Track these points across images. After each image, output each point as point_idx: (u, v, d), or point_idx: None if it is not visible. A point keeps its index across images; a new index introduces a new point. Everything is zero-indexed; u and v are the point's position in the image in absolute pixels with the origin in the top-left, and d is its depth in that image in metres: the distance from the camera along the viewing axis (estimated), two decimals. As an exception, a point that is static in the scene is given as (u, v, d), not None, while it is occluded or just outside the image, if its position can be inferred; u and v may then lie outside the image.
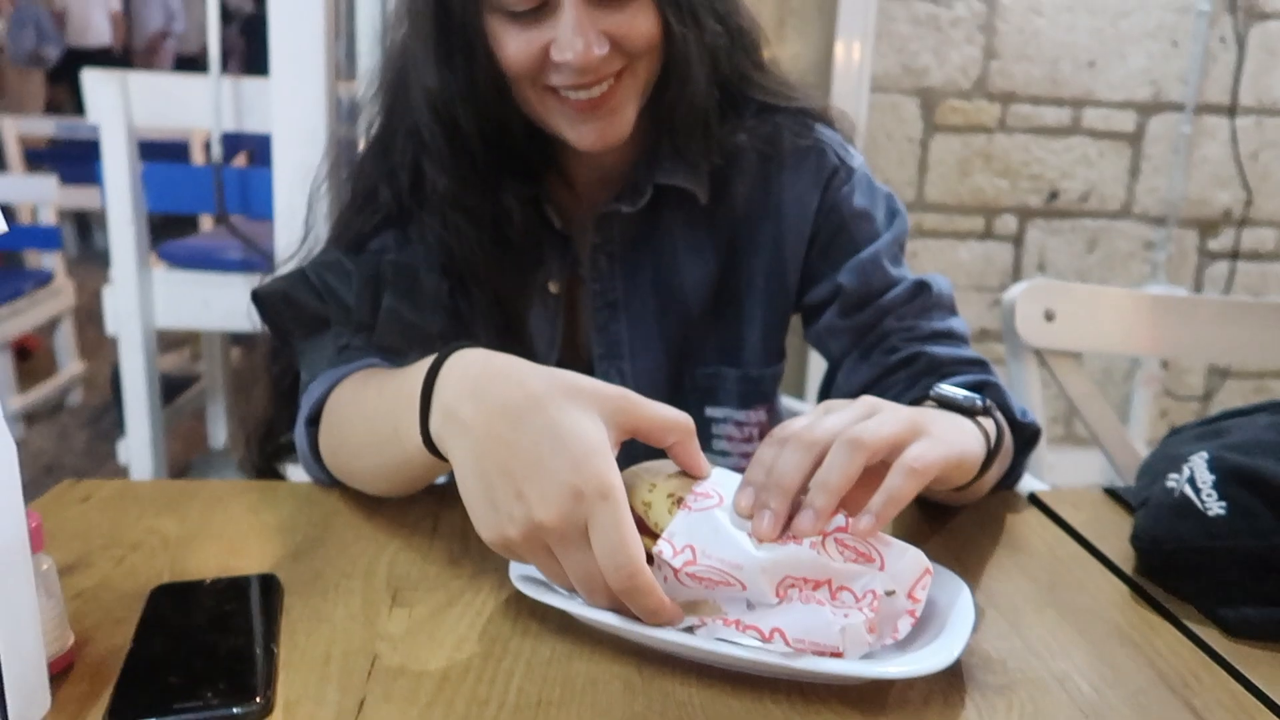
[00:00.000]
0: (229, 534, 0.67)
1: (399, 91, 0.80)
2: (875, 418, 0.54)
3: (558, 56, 0.71)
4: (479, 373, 0.56)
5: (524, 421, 0.52)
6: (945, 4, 2.09)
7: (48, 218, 3.10)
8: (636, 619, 0.51)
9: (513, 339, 0.83)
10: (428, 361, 0.59)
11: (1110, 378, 2.31)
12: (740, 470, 0.56)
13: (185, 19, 7.53)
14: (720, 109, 0.82)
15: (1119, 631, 0.59)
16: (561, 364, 0.82)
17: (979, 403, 0.65)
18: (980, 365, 0.81)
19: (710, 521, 0.52)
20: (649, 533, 0.54)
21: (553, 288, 0.85)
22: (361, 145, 0.87)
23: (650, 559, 0.52)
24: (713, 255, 0.86)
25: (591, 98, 0.74)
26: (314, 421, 0.75)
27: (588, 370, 0.60)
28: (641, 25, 0.74)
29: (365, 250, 0.82)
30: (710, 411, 0.89)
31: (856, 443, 0.51)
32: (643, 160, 0.83)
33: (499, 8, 0.72)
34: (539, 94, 0.75)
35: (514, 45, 0.73)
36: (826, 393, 0.87)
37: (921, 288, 0.83)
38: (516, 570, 0.57)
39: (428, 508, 0.71)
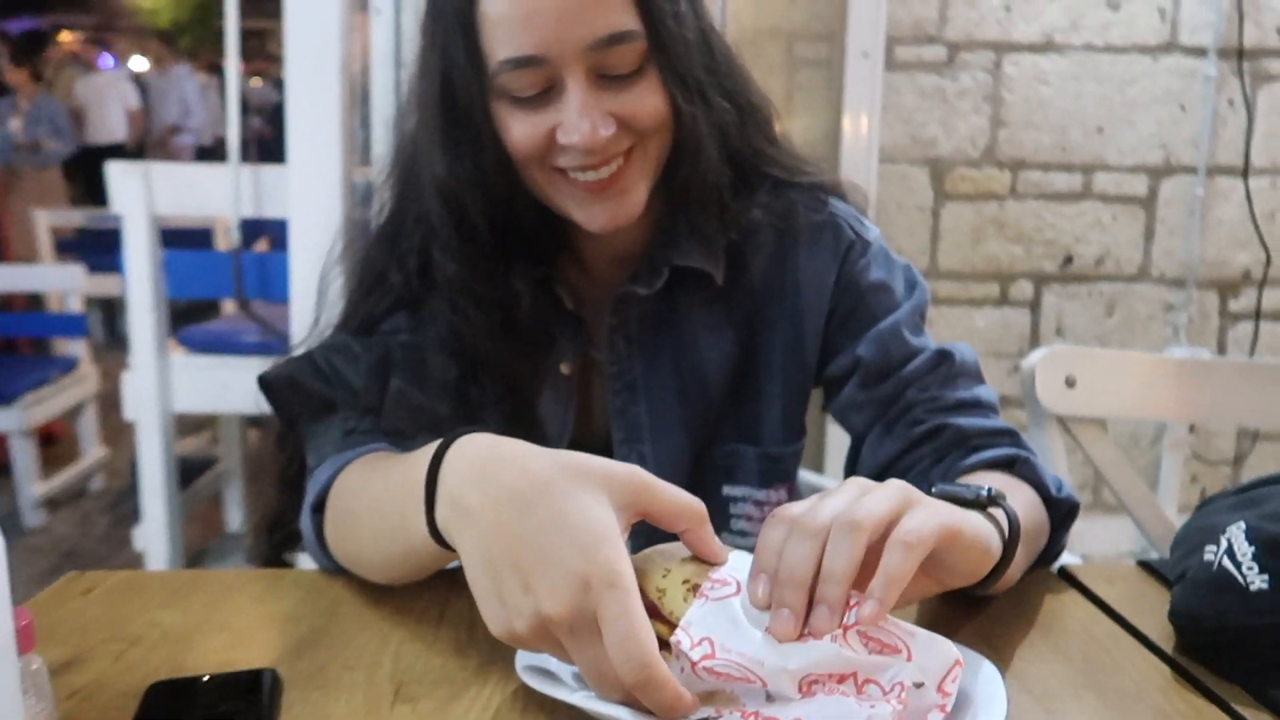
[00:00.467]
0: (232, 626, 0.65)
1: (409, 179, 0.81)
2: (869, 496, 0.52)
3: (564, 139, 0.71)
4: (484, 459, 0.54)
5: (530, 509, 0.50)
6: (950, 76, 2.12)
7: (75, 305, 3.16)
8: (649, 713, 0.49)
9: (523, 424, 0.81)
10: (432, 448, 0.58)
11: (1137, 443, 2.26)
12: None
13: (202, 113, 7.79)
14: (734, 186, 0.81)
15: (1163, 715, 0.56)
16: (574, 447, 0.81)
17: (982, 494, 0.62)
18: (1010, 436, 0.79)
19: (728, 612, 0.50)
20: (664, 620, 0.52)
21: (564, 369, 0.84)
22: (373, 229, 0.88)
23: (665, 644, 0.50)
24: (731, 334, 0.85)
25: (601, 178, 0.74)
26: (319, 508, 0.73)
27: (604, 454, 0.59)
28: (649, 104, 0.73)
29: (377, 332, 0.82)
30: (729, 490, 0.87)
31: (854, 524, 0.49)
32: (658, 241, 0.82)
33: (505, 93, 0.72)
34: (547, 176, 0.75)
35: (520, 129, 0.73)
36: (852, 468, 0.85)
37: (944, 357, 0.82)
38: (523, 661, 0.55)
39: (435, 595, 0.69)
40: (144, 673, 0.58)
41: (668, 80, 0.74)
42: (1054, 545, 0.75)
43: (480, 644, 0.62)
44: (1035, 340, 2.22)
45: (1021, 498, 0.71)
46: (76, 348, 3.25)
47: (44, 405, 2.97)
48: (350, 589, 0.71)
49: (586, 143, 0.71)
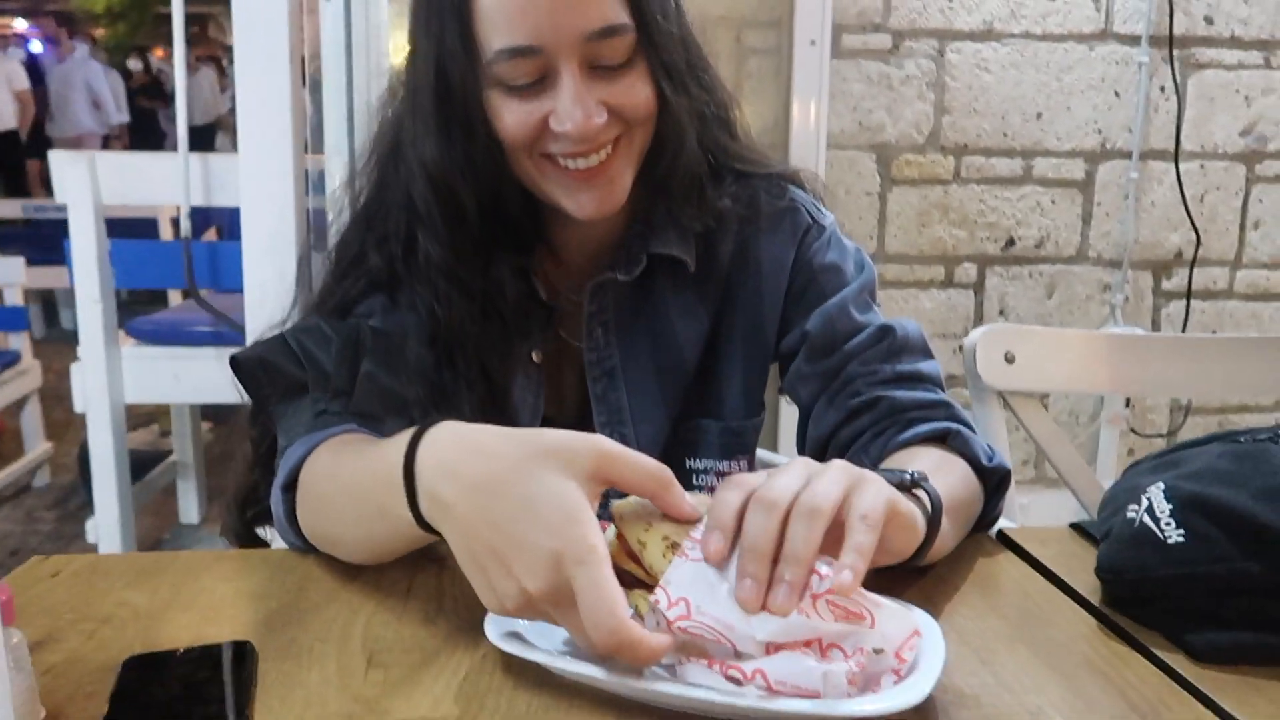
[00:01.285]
0: (201, 604, 0.67)
1: (391, 164, 0.82)
2: (821, 480, 0.55)
3: (557, 127, 0.74)
4: (453, 450, 0.57)
5: (500, 496, 0.53)
6: (895, 64, 2.17)
7: (14, 299, 3.09)
8: (618, 670, 0.52)
9: (496, 409, 0.83)
10: (404, 440, 0.60)
11: (1077, 419, 2.34)
12: None
13: (110, 99, 7.52)
14: (707, 176, 0.85)
15: (1089, 663, 0.60)
16: None
17: (905, 478, 0.65)
18: (945, 408, 0.83)
19: (705, 574, 0.53)
20: (644, 569, 0.55)
21: (535, 357, 0.86)
22: (344, 215, 0.89)
23: (643, 584, 0.53)
24: (704, 317, 0.89)
25: (590, 166, 0.76)
26: (290, 487, 0.75)
27: None
28: (639, 94, 0.76)
29: (351, 315, 0.83)
30: (692, 463, 0.90)
31: (815, 511, 0.52)
32: (635, 230, 0.85)
33: (499, 82, 0.74)
34: (537, 164, 0.77)
35: (513, 117, 0.75)
36: (802, 441, 0.89)
37: (886, 331, 0.85)
38: (492, 625, 0.57)
39: (403, 569, 0.71)
40: (117, 649, 0.59)
41: (656, 72, 0.77)
42: (989, 511, 0.79)
43: (448, 614, 0.65)
44: (980, 321, 2.29)
45: (952, 470, 0.75)
46: (18, 341, 3.17)
47: (-14, 400, 2.90)
48: (318, 566, 0.72)
49: (579, 130, 0.73)
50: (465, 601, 0.66)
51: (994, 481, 0.79)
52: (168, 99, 9.79)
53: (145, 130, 8.75)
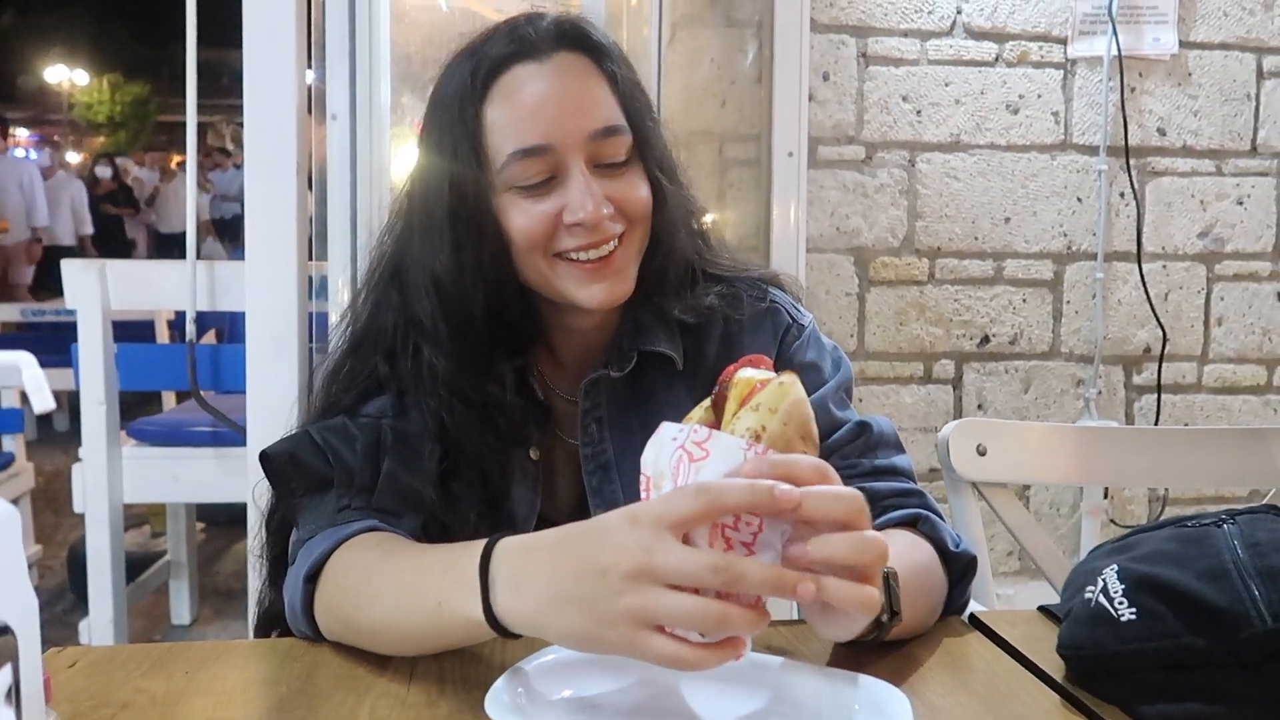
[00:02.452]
0: (215, 691, 0.70)
1: (393, 287, 0.89)
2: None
3: (570, 218, 0.82)
4: (524, 549, 0.64)
5: (566, 550, 0.61)
6: (869, 173, 2.30)
7: (11, 401, 3.13)
8: None
9: (495, 507, 0.88)
10: (477, 546, 0.65)
11: (1058, 510, 2.39)
12: None
13: (43, 204, 7.30)
14: (690, 276, 0.93)
15: (1051, 735, 0.64)
16: (541, 527, 0.89)
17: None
18: (918, 496, 0.88)
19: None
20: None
21: (533, 455, 0.90)
22: (339, 318, 0.96)
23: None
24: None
25: (601, 256, 0.83)
26: (312, 579, 0.78)
27: None
28: (638, 190, 0.85)
29: (360, 412, 0.88)
30: None
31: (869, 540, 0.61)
32: (626, 328, 0.92)
33: (511, 185, 0.83)
34: (550, 262, 0.84)
35: (526, 216, 0.83)
36: None
37: (863, 428, 0.91)
38: (493, 704, 0.61)
39: (405, 656, 0.75)
40: (138, 732, 0.63)
41: (650, 172, 0.86)
42: (957, 597, 0.84)
43: (449, 696, 0.68)
44: (959, 415, 2.35)
45: (919, 550, 0.80)
46: (11, 444, 3.20)
47: (-22, 502, 2.91)
48: (325, 654, 0.76)
49: (591, 217, 0.81)
50: (466, 684, 0.70)
51: (960, 566, 0.83)
52: (136, 206, 9.96)
53: (109, 237, 8.63)
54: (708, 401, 0.64)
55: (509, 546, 0.64)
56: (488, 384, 0.86)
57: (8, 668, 0.41)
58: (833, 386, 0.93)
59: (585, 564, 0.58)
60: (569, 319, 0.89)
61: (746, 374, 0.62)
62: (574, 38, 0.85)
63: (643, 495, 0.62)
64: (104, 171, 9.85)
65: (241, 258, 1.68)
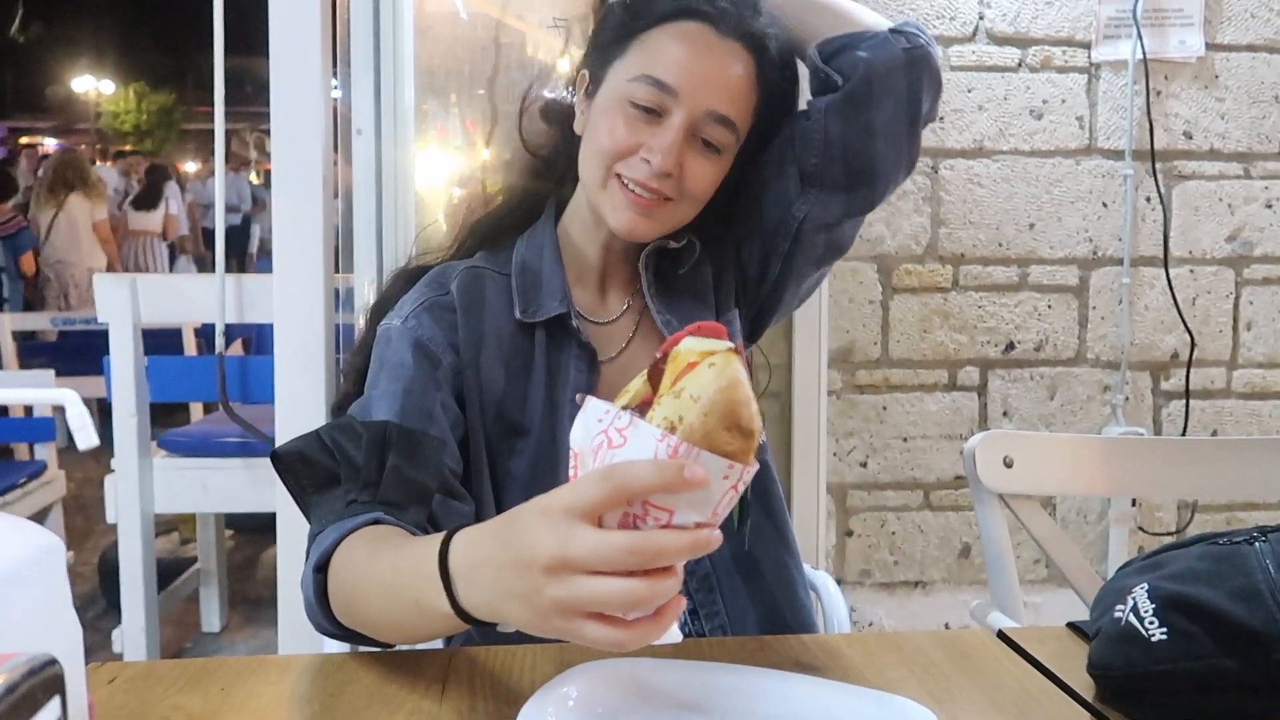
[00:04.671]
0: (250, 707, 0.71)
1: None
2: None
3: (645, 154, 0.93)
4: (477, 531, 0.65)
5: (500, 543, 0.62)
6: (892, 179, 2.29)
7: (42, 410, 3.18)
8: None
9: (547, 461, 0.95)
10: (435, 544, 0.67)
11: (1085, 517, 2.37)
12: None
13: None
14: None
15: (1082, 756, 0.64)
16: None
17: None
18: None
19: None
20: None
21: (579, 399, 0.92)
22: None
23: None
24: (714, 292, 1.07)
25: (644, 195, 0.94)
26: (321, 569, 0.81)
27: None
28: (706, 176, 0.96)
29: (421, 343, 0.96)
30: None
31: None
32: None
33: (627, 97, 0.94)
34: (608, 175, 0.95)
35: (618, 131, 0.94)
36: None
37: None
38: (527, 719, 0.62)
39: (437, 672, 0.76)
40: (177, 750, 0.64)
41: (729, 175, 0.99)
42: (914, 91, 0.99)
43: (481, 715, 0.69)
44: (984, 422, 2.34)
45: None
46: (44, 452, 3.25)
47: (11, 510, 2.96)
48: (357, 670, 0.77)
49: (657, 166, 0.92)
50: (499, 700, 0.71)
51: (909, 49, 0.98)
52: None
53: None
54: (645, 373, 0.60)
55: (460, 542, 0.65)
56: (530, 339, 0.99)
57: (55, 700, 0.42)
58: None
59: (513, 558, 0.59)
60: (587, 240, 1.02)
61: (687, 345, 0.57)
62: (753, 39, 0.96)
63: (570, 472, 0.60)
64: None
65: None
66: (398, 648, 0.81)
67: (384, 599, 0.73)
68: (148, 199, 6.83)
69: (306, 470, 0.86)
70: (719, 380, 0.54)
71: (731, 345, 0.57)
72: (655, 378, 0.58)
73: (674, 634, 0.58)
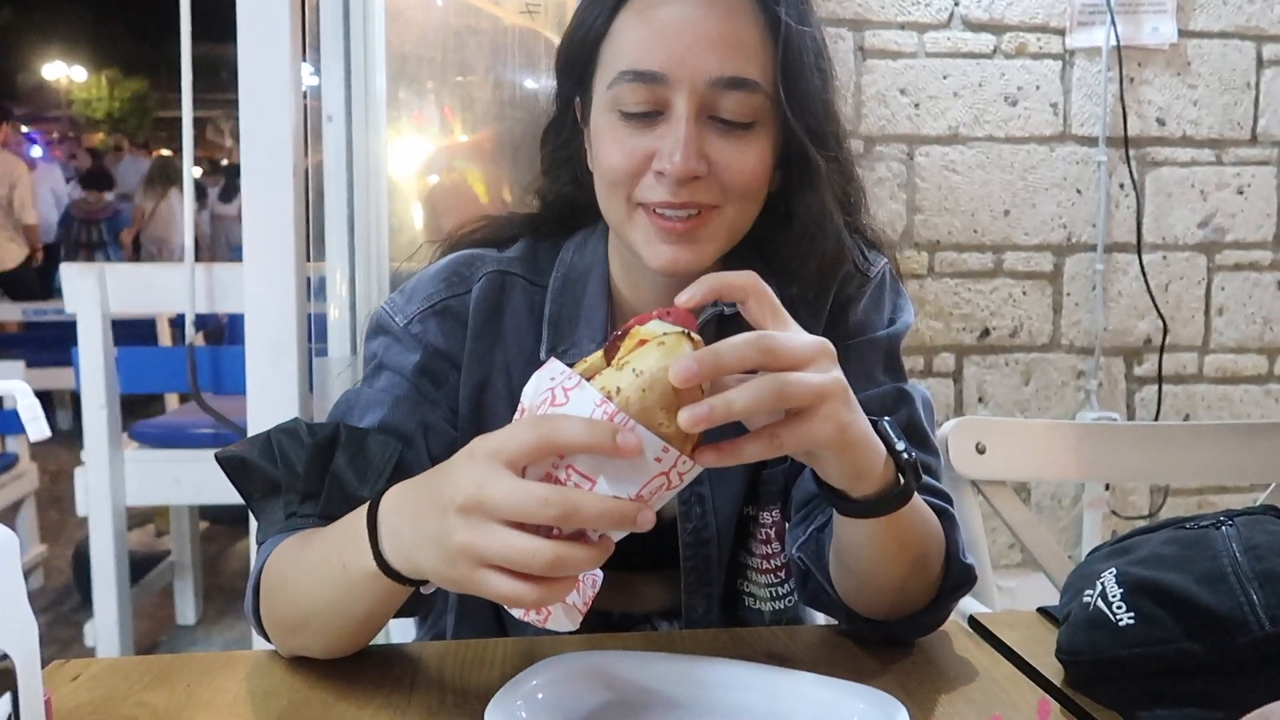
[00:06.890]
0: (217, 704, 0.70)
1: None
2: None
3: (658, 165, 0.74)
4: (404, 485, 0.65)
5: (425, 488, 0.62)
6: (868, 166, 2.29)
7: (13, 402, 3.13)
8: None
9: None
10: (368, 505, 0.66)
11: (1059, 502, 2.39)
12: None
13: None
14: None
15: (1050, 742, 0.64)
16: None
17: (905, 455, 0.68)
18: (945, 498, 0.83)
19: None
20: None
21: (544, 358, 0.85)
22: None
23: None
24: None
25: (678, 219, 0.75)
26: (257, 588, 0.78)
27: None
28: (746, 162, 0.75)
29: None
30: (749, 510, 0.91)
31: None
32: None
33: (615, 107, 0.76)
34: (630, 208, 0.77)
35: (619, 148, 0.75)
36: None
37: (903, 395, 0.89)
38: (494, 713, 0.61)
39: (406, 666, 0.76)
40: (140, 748, 0.63)
41: (791, 142, 0.77)
42: (941, 604, 0.78)
43: (450, 708, 0.69)
44: (959, 409, 2.35)
45: (935, 524, 0.76)
46: (15, 444, 3.20)
47: (-18, 503, 2.92)
48: (327, 666, 0.76)
49: (678, 171, 0.72)
50: (467, 695, 0.70)
51: (957, 572, 0.78)
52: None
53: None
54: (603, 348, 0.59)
55: (391, 492, 0.65)
56: None
57: (7, 696, 0.41)
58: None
59: (433, 500, 0.58)
60: (639, 275, 0.84)
61: (649, 327, 0.57)
62: None
63: None
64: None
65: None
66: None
67: (310, 580, 0.72)
68: (226, 193, 7.82)
69: (247, 477, 0.82)
70: (665, 360, 0.54)
71: (685, 330, 0.56)
72: (611, 353, 0.57)
73: (563, 622, 0.57)
